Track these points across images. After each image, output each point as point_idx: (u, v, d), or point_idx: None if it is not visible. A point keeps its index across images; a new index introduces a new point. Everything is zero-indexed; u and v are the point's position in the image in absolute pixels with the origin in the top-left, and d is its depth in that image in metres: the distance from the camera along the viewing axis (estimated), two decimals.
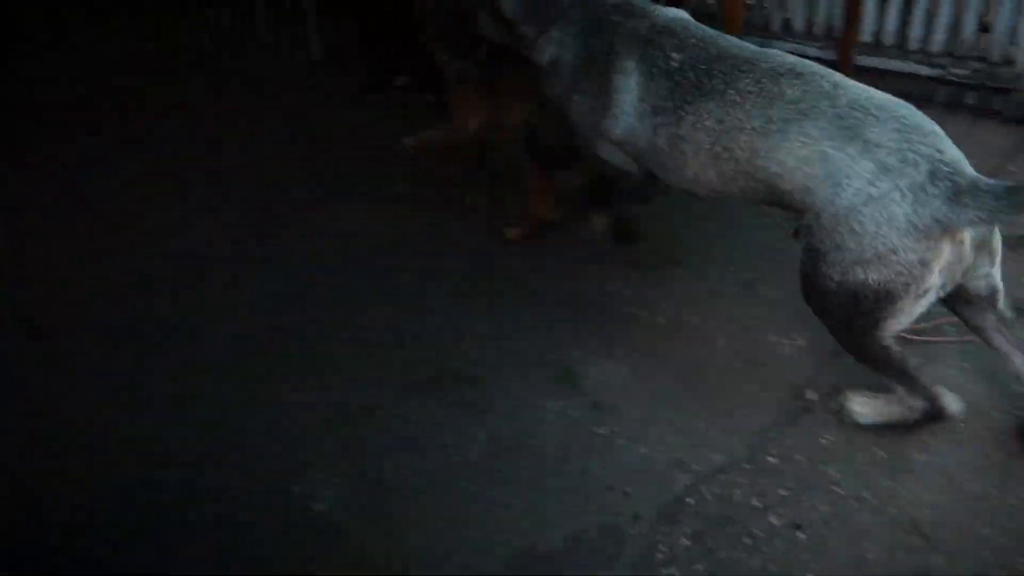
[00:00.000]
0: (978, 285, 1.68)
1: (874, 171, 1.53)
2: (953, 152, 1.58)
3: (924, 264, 1.54)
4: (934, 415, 1.74)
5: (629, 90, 1.89)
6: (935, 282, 1.58)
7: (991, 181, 1.52)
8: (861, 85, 1.71)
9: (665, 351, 2.12)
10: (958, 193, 1.49)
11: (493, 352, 2.11)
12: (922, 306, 1.62)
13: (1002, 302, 1.72)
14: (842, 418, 1.84)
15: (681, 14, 1.99)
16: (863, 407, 1.82)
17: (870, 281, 1.57)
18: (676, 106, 1.80)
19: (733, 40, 1.89)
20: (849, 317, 1.65)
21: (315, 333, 2.23)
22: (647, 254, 2.48)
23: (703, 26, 1.94)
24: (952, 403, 1.74)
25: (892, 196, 1.52)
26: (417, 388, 2.01)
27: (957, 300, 1.72)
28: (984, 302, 1.71)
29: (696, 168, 1.81)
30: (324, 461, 1.80)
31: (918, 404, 1.74)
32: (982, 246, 1.61)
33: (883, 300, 1.58)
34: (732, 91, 1.73)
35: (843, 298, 1.62)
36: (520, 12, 2.09)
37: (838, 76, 1.73)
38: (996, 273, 1.69)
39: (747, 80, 1.72)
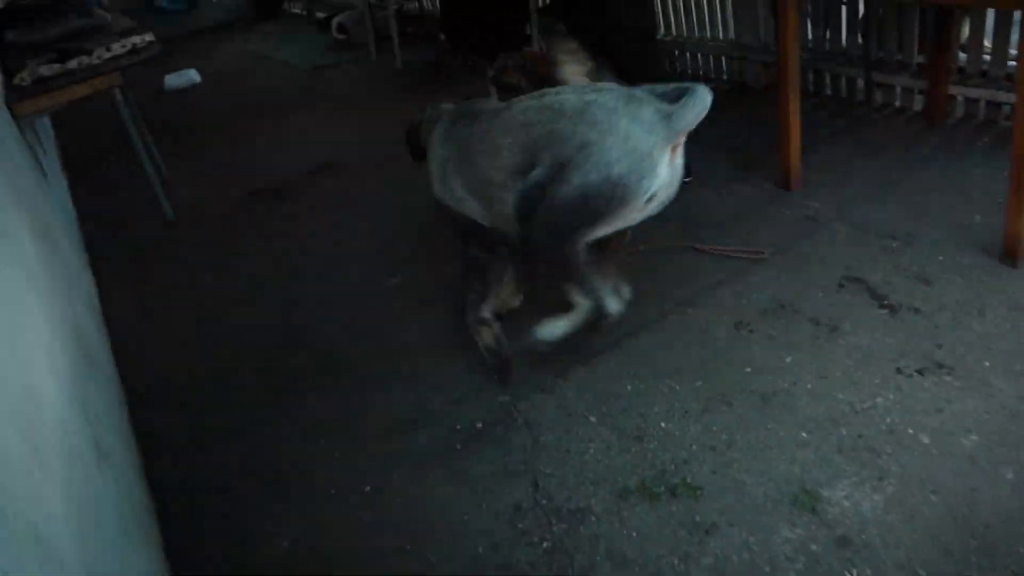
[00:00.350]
0: None
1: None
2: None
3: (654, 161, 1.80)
4: (601, 314, 2.05)
5: None
6: (659, 190, 1.86)
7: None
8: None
9: (930, 477, 1.76)
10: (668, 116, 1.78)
11: (710, 457, 1.87)
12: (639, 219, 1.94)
13: None
14: (537, 348, 2.15)
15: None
16: (550, 328, 2.11)
17: (613, 175, 1.78)
18: None
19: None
20: (578, 222, 1.85)
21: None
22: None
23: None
24: (613, 304, 2.05)
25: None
26: (628, 492, 1.81)
27: None
28: None
29: None
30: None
31: (588, 306, 2.05)
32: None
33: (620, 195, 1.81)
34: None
35: (580, 202, 1.81)
36: None
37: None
38: None
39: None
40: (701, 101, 1.79)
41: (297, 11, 9.43)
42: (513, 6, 3.89)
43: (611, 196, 1.81)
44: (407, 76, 5.59)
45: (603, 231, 1.92)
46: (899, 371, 1.97)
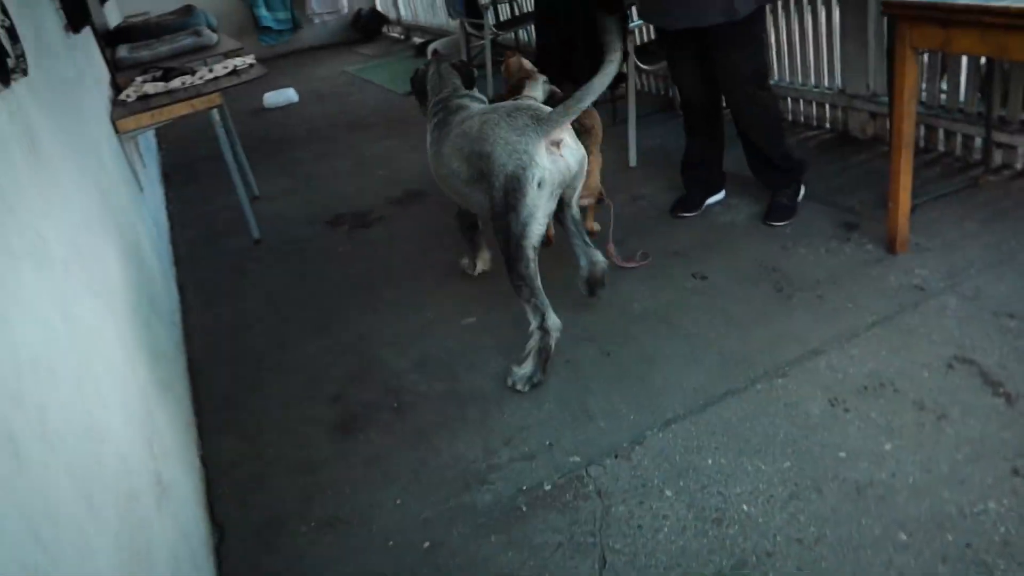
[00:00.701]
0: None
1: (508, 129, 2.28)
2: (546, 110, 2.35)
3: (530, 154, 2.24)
4: (544, 330, 2.35)
5: None
6: (544, 175, 2.26)
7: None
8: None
9: None
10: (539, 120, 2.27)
11: (796, 551, 1.71)
12: (545, 199, 2.29)
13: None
14: (520, 386, 2.37)
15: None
16: (520, 371, 2.39)
17: (507, 172, 2.25)
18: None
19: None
20: (507, 219, 2.29)
21: None
22: None
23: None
24: (553, 320, 2.37)
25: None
26: None
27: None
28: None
29: None
30: None
31: (535, 324, 2.37)
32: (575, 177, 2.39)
33: (516, 186, 2.24)
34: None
35: (500, 197, 2.28)
36: None
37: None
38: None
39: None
40: (575, 105, 2.28)
41: (396, 35, 9.62)
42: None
43: (511, 189, 2.26)
44: None
45: (535, 227, 2.31)
46: (1016, 472, 1.77)
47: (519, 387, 2.37)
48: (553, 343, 2.37)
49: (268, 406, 2.57)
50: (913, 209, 2.70)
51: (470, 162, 2.38)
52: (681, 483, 1.91)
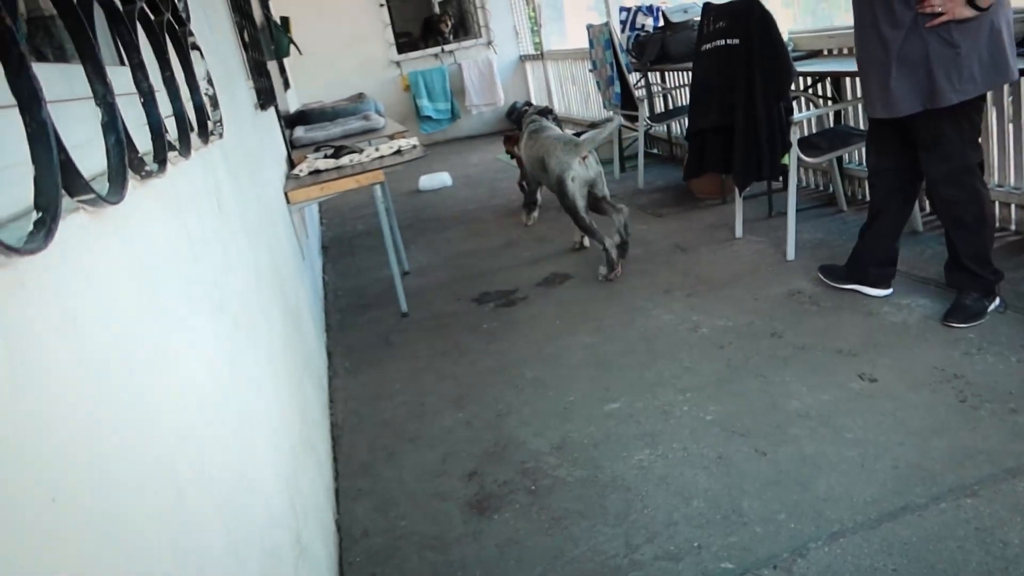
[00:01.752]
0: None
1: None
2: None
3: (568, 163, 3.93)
4: (607, 248, 3.90)
5: None
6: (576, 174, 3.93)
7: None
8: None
9: None
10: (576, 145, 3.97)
11: None
12: (582, 191, 3.98)
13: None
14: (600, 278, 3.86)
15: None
16: (601, 270, 3.97)
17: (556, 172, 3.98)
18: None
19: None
20: (563, 199, 4.04)
21: None
22: None
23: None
24: (610, 243, 3.90)
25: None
26: None
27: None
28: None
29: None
30: None
31: (602, 246, 3.92)
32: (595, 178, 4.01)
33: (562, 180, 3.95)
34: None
35: (555, 186, 4.04)
36: None
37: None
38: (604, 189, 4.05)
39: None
40: (601, 133, 4.02)
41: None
42: (773, 138, 3.71)
43: (559, 182, 3.98)
44: (646, 195, 5.57)
45: (578, 201, 3.98)
46: None
47: (601, 277, 3.94)
48: (614, 253, 3.89)
49: (404, 477, 2.54)
50: None
51: (540, 161, 4.16)
52: None
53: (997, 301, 2.86)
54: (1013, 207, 3.61)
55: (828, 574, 1.79)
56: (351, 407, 3.09)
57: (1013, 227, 3.63)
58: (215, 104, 2.03)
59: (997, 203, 3.69)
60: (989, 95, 3.43)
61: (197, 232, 1.54)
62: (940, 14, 2.46)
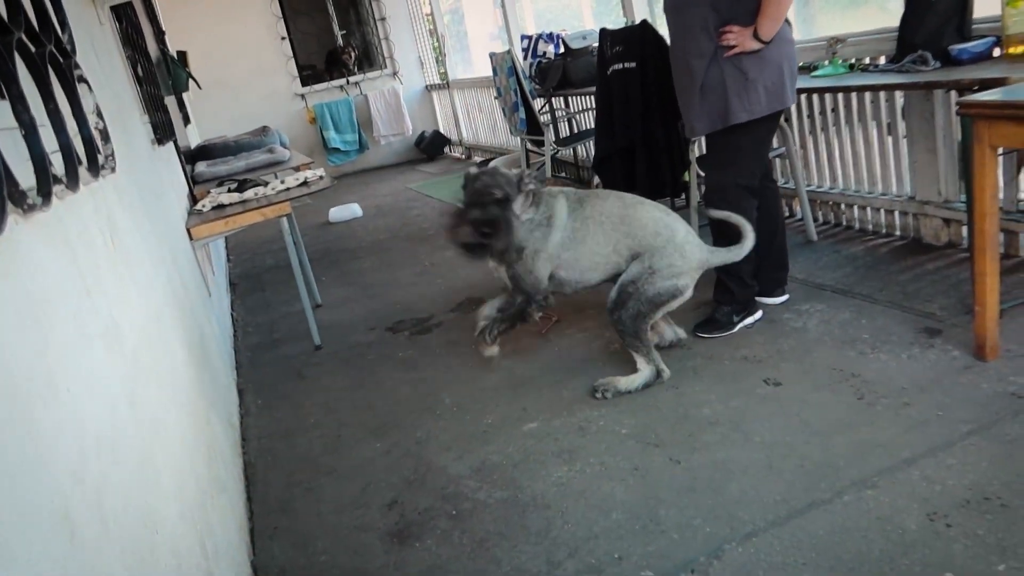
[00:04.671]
0: None
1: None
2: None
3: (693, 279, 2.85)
4: (659, 376, 2.81)
5: None
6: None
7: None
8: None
9: None
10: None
11: None
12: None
13: None
14: (606, 395, 2.81)
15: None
16: (626, 382, 2.81)
17: (679, 285, 2.80)
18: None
19: None
20: (649, 309, 2.77)
21: None
22: None
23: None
24: (665, 368, 2.82)
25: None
26: None
27: None
28: None
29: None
30: None
31: (649, 370, 2.80)
32: None
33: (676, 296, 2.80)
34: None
35: (660, 295, 2.77)
36: None
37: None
38: None
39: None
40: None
41: (457, 154, 9.98)
42: (671, 153, 3.85)
43: (673, 296, 2.79)
44: None
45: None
46: None
47: (610, 395, 2.80)
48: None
49: (322, 511, 2.48)
50: (1000, 315, 2.56)
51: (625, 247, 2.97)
52: None
53: (753, 318, 3.18)
54: (897, 213, 3.85)
55: (743, 574, 1.84)
56: (264, 444, 3.00)
57: (898, 232, 3.86)
58: (106, 138, 1.97)
59: (882, 211, 3.92)
60: (885, 108, 3.66)
61: (89, 267, 1.48)
62: (735, 46, 2.81)
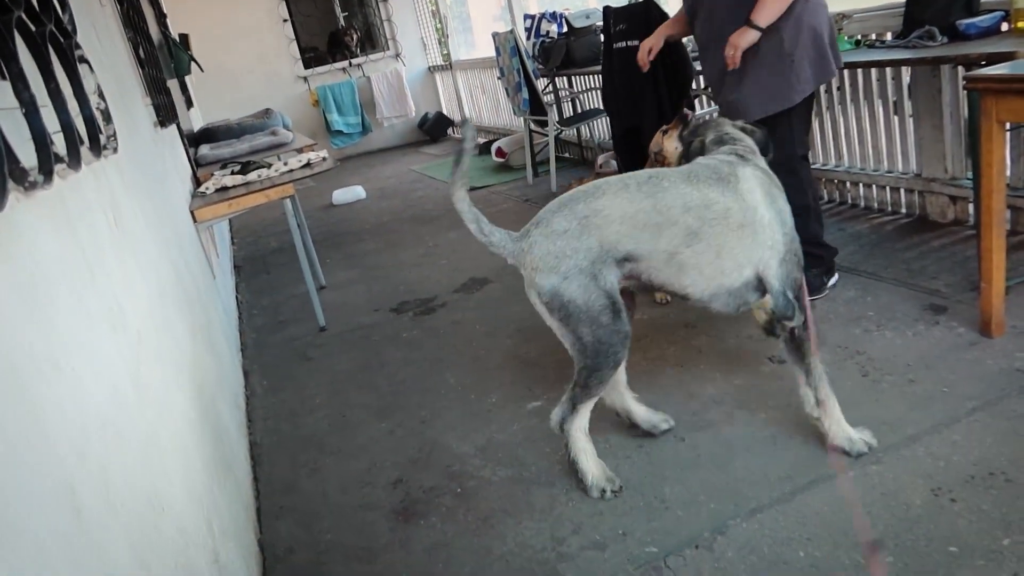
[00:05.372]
0: None
1: None
2: None
3: None
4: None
5: None
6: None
7: None
8: None
9: None
10: None
11: None
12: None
13: None
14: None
15: None
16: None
17: None
18: None
19: None
20: None
21: None
22: None
23: None
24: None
25: None
26: None
27: None
28: None
29: None
30: None
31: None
32: None
33: None
34: None
35: None
36: None
37: None
38: None
39: None
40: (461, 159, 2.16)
41: (460, 136, 9.92)
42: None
43: None
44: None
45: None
46: None
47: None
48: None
49: (327, 491, 2.49)
50: (1006, 292, 2.55)
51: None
52: None
53: (836, 277, 3.15)
54: (903, 191, 3.82)
55: (747, 549, 1.85)
56: (270, 425, 3.02)
57: (904, 210, 3.84)
58: (108, 118, 1.96)
59: (888, 188, 3.90)
60: (864, 87, 3.63)
61: (92, 247, 1.48)
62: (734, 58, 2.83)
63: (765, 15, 2.76)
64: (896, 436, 2.15)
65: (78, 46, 1.83)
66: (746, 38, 2.79)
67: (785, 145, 2.95)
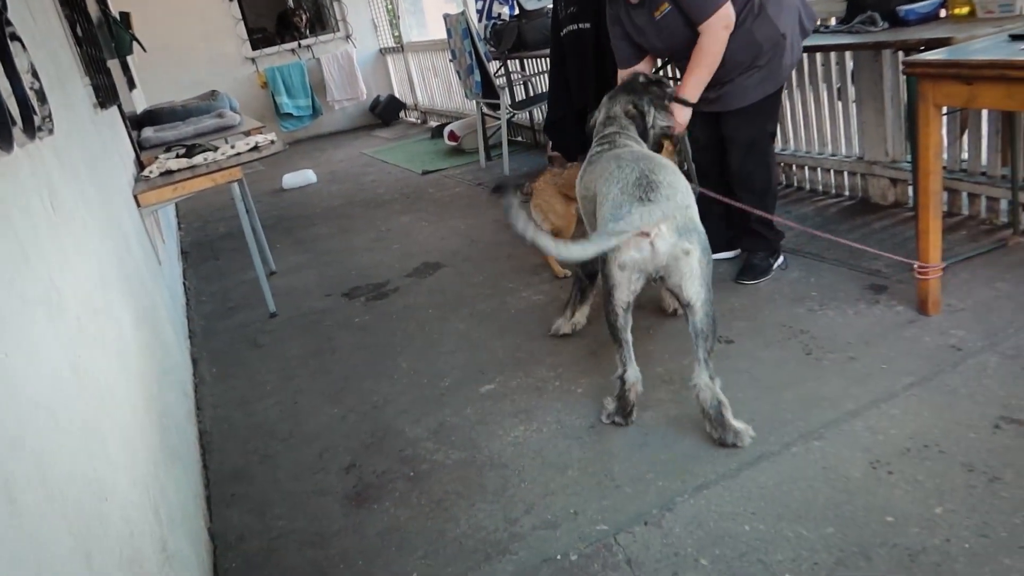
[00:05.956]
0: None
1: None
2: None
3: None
4: (621, 380, 2.31)
5: None
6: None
7: None
8: None
9: None
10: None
11: None
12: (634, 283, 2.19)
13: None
14: (603, 418, 2.38)
15: None
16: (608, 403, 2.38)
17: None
18: None
19: None
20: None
21: None
22: None
23: None
24: (631, 372, 2.30)
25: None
26: None
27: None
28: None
29: None
30: None
31: (617, 373, 2.32)
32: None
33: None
34: None
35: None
36: None
37: None
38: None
39: None
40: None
41: (413, 119, 9.85)
42: None
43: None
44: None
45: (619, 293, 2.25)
46: None
47: (602, 419, 2.38)
48: (632, 394, 2.32)
49: (279, 478, 2.47)
50: (942, 271, 2.63)
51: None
52: (717, 551, 1.79)
53: (781, 259, 3.23)
54: (846, 174, 3.91)
55: (694, 524, 1.89)
56: (220, 413, 2.97)
57: (847, 192, 3.93)
58: (43, 99, 1.89)
59: (832, 171, 3.98)
60: (808, 72, 3.70)
61: (26, 230, 1.43)
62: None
63: (692, 89, 2.78)
64: (837, 412, 2.21)
65: (9, 23, 1.76)
66: (683, 116, 2.79)
67: (760, 124, 3.00)
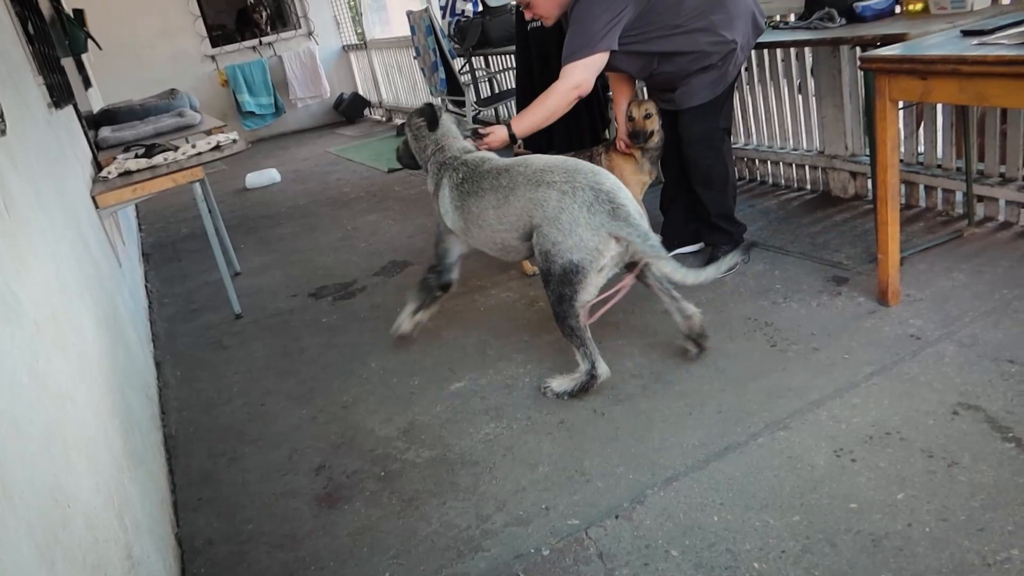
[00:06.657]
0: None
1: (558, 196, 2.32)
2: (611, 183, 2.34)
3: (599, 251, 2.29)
4: (593, 376, 2.43)
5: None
6: (607, 263, 2.32)
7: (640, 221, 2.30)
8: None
9: None
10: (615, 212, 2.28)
11: None
12: (601, 279, 2.35)
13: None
14: (546, 394, 2.52)
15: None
16: (558, 384, 2.51)
17: (575, 260, 2.30)
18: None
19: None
20: (562, 290, 2.35)
21: None
22: None
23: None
24: (603, 369, 2.45)
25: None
26: None
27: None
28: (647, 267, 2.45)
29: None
30: None
31: (585, 368, 2.44)
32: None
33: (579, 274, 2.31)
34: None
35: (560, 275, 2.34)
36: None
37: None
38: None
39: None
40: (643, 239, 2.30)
41: (377, 117, 9.79)
42: (591, 108, 3.87)
43: (574, 267, 2.34)
44: None
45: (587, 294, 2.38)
46: None
47: (549, 394, 2.51)
48: (594, 386, 2.46)
49: (247, 480, 2.45)
50: (901, 262, 2.69)
51: (522, 223, 2.43)
52: (687, 542, 1.81)
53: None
54: (807, 168, 3.97)
55: (664, 516, 1.91)
56: (185, 416, 2.93)
57: (809, 186, 3.99)
58: None
59: (794, 165, 4.05)
60: (769, 68, 3.75)
61: None
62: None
63: (522, 125, 2.84)
64: (801, 402, 2.25)
65: None
66: (499, 142, 2.86)
67: (712, 119, 3.03)
